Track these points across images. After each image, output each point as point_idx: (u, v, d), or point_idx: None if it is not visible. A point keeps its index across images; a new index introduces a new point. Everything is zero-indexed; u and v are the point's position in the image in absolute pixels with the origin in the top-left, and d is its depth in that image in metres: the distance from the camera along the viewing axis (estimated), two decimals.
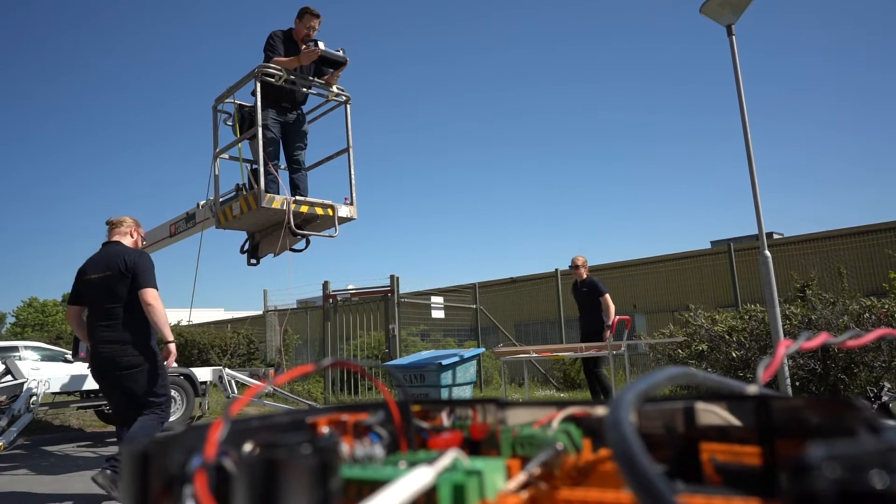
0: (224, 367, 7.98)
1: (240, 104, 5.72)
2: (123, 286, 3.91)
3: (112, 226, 4.23)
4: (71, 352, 7.82)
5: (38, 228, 73.08)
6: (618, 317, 7.14)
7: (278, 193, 5.26)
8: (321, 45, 5.32)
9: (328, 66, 5.56)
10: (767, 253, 5.75)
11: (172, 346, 4.10)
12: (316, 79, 5.60)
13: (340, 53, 5.52)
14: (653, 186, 59.44)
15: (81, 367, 7.41)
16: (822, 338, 0.67)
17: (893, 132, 46.43)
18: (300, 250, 5.73)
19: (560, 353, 7.90)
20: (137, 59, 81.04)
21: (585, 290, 7.43)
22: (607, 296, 7.24)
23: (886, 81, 47.17)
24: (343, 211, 5.56)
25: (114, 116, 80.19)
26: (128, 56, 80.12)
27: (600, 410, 0.54)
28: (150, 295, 3.88)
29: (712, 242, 17.43)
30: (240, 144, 5.56)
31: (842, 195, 51.91)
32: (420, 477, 0.40)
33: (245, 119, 5.64)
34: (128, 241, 4.18)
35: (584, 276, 7.51)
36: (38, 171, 74.98)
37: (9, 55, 69.85)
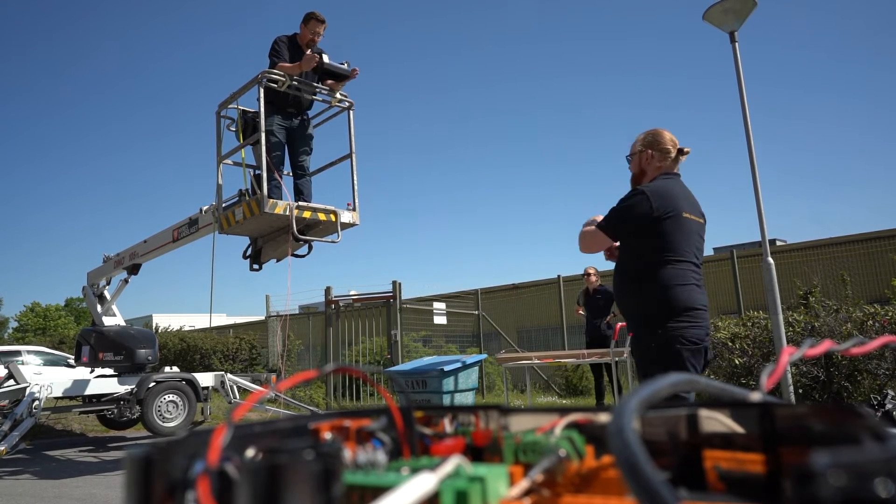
0: (226, 372, 7.98)
1: (243, 109, 5.74)
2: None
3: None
4: (73, 356, 7.82)
5: (39, 233, 73.31)
6: (620, 323, 7.16)
7: (281, 199, 5.27)
8: (325, 58, 5.36)
9: (333, 78, 5.59)
10: (770, 260, 5.74)
11: None
12: (320, 85, 5.63)
13: (345, 66, 5.55)
14: None
15: (84, 372, 7.42)
16: (825, 345, 0.67)
17: None
18: (302, 256, 5.74)
19: (562, 360, 7.91)
20: (140, 62, 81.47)
21: (600, 297, 7.69)
22: None
23: (891, 86, 47.22)
24: (345, 216, 5.57)
25: (117, 121, 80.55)
26: (130, 58, 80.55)
27: (603, 417, 0.54)
28: None
29: (715, 249, 17.38)
30: (243, 150, 5.58)
31: (845, 201, 51.87)
32: (423, 483, 0.40)
33: (248, 124, 5.66)
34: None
35: (597, 284, 7.65)
36: (39, 174, 75.27)
37: (9, 52, 70.21)
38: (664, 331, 2.59)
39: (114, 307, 7.69)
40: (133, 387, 6.90)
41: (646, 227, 2.66)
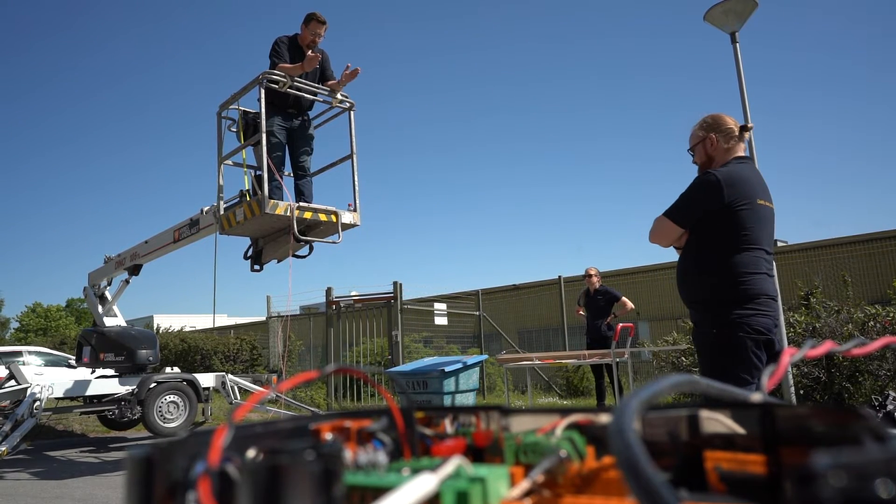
0: (227, 373, 7.98)
1: (244, 110, 5.74)
2: None
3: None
4: (74, 357, 7.82)
5: (40, 233, 73.35)
6: (621, 324, 7.17)
7: (282, 199, 5.27)
8: None
9: None
10: None
11: None
12: (320, 86, 5.62)
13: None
14: (656, 193, 59.46)
15: (85, 372, 7.42)
16: (826, 346, 0.67)
17: None
18: (303, 256, 5.74)
19: (563, 361, 7.91)
20: (141, 62, 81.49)
21: (601, 298, 7.69)
22: (624, 298, 7.62)
23: (891, 86, 47.19)
24: (346, 217, 5.57)
25: (117, 121, 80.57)
26: (131, 58, 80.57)
27: (604, 418, 0.54)
28: None
29: None
30: (244, 150, 5.57)
31: (846, 201, 51.83)
32: (423, 484, 0.40)
33: (249, 125, 5.66)
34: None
35: (598, 285, 7.65)
36: (39, 174, 75.31)
37: (9, 52, 70.19)
38: (727, 318, 2.42)
39: (115, 308, 7.70)
40: (134, 387, 6.90)
41: (716, 213, 2.51)
